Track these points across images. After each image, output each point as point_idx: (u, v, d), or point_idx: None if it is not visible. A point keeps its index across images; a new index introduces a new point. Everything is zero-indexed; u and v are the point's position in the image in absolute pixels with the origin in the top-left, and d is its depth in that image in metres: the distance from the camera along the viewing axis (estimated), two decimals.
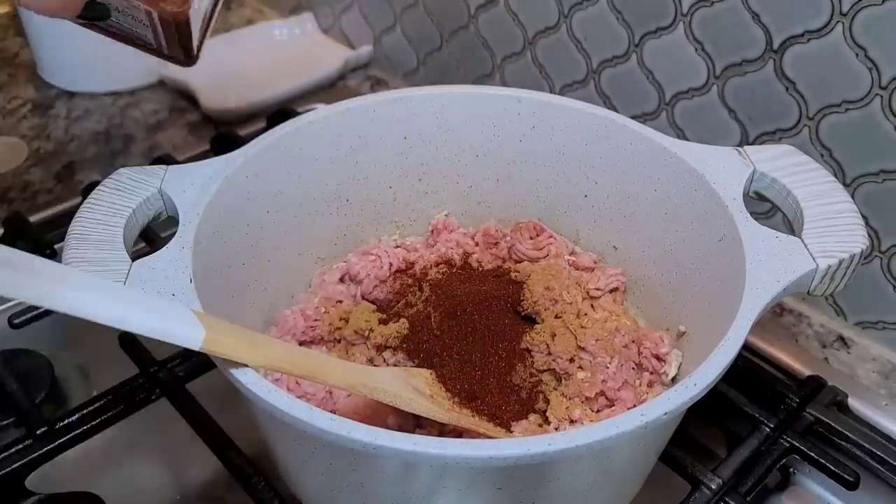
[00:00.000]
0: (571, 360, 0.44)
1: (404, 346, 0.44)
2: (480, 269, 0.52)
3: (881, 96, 0.49)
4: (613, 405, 0.43)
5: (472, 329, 0.45)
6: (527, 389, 0.43)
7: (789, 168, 0.44)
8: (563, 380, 0.44)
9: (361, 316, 0.46)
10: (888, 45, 0.47)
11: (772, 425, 0.47)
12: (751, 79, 0.55)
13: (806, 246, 0.39)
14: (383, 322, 0.46)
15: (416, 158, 0.53)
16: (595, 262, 0.52)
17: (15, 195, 0.70)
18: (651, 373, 0.45)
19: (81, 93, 0.84)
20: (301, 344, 0.47)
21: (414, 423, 0.42)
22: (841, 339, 0.56)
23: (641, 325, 0.49)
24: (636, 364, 0.45)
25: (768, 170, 0.44)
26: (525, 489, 0.35)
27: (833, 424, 0.48)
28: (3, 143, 0.77)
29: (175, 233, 0.40)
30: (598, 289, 0.49)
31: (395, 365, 0.44)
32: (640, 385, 0.44)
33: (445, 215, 0.55)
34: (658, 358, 0.45)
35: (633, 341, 0.46)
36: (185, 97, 0.84)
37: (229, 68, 0.86)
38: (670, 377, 0.45)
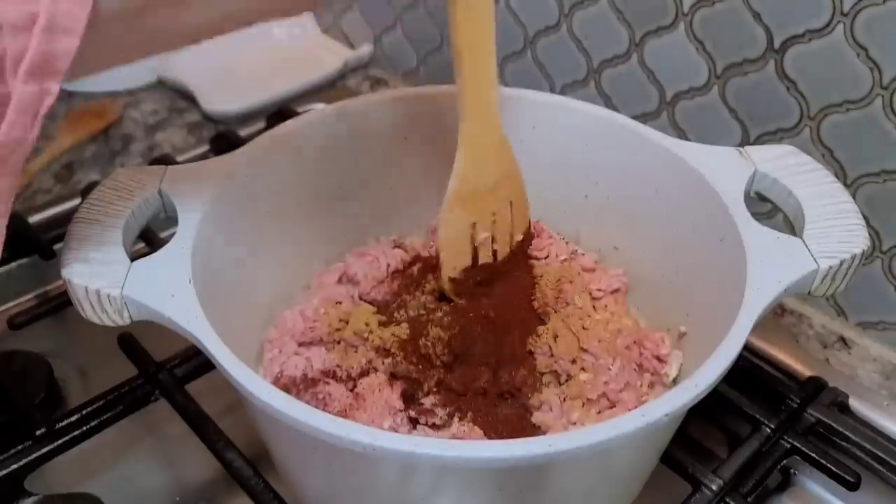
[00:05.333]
0: (573, 362, 0.44)
1: (404, 349, 0.44)
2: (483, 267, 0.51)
3: (882, 96, 0.49)
4: (615, 407, 0.43)
5: (473, 330, 0.45)
6: (528, 391, 0.43)
7: (790, 168, 0.43)
8: (564, 382, 0.44)
9: (361, 318, 0.46)
10: (889, 45, 0.47)
11: (773, 426, 0.47)
12: (752, 78, 0.55)
13: (807, 246, 0.39)
14: (383, 324, 0.46)
15: (416, 158, 0.53)
16: (596, 263, 0.52)
17: None
18: (652, 374, 0.45)
19: (81, 93, 0.84)
20: (300, 345, 0.47)
21: (409, 427, 0.42)
22: (842, 339, 0.56)
23: (642, 326, 0.49)
24: (638, 365, 0.45)
25: (769, 170, 0.44)
26: (525, 490, 0.35)
27: (834, 425, 0.48)
28: None
29: (175, 233, 0.40)
30: (599, 290, 0.49)
31: (394, 368, 0.44)
32: (642, 386, 0.44)
33: None
34: (659, 359, 0.45)
35: (635, 342, 0.46)
36: (185, 97, 0.83)
37: (229, 68, 0.86)
38: (671, 378, 0.45)
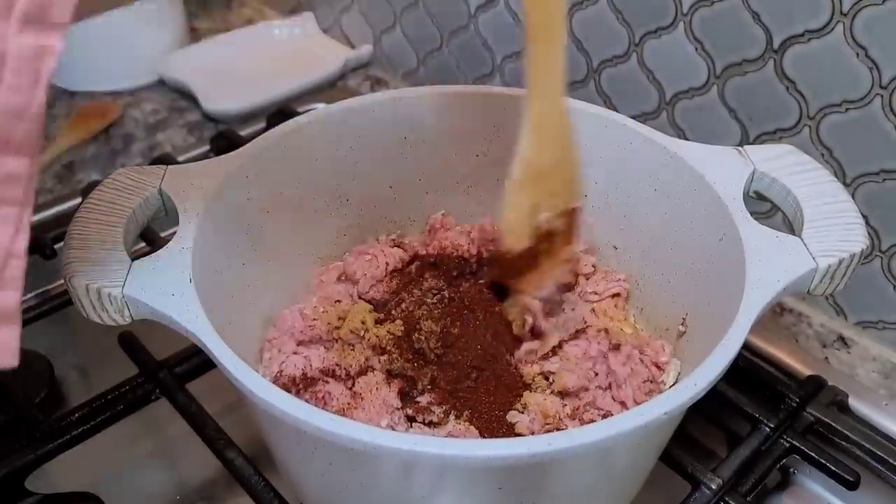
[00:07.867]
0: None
1: (399, 346, 0.44)
2: (478, 268, 0.52)
3: (881, 96, 0.49)
4: (611, 412, 0.43)
5: (470, 330, 0.45)
6: (517, 394, 0.43)
7: (789, 168, 0.44)
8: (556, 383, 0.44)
9: (357, 316, 0.46)
10: (889, 45, 0.47)
11: (772, 425, 0.47)
12: (751, 78, 0.55)
13: (806, 245, 0.39)
14: (380, 322, 0.46)
15: (416, 158, 0.53)
16: (594, 266, 0.52)
17: None
18: (651, 382, 0.45)
19: (81, 92, 0.84)
20: (299, 343, 0.47)
21: (406, 425, 0.42)
22: (841, 338, 0.56)
23: (640, 327, 0.49)
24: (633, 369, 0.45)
25: (768, 169, 0.44)
26: (525, 489, 0.35)
27: (833, 424, 0.48)
28: None
29: (175, 233, 0.40)
30: (595, 293, 0.49)
31: (390, 365, 0.44)
32: (639, 392, 0.44)
33: (443, 214, 0.55)
34: (657, 366, 0.45)
35: (634, 348, 0.45)
36: (185, 97, 0.84)
37: (229, 68, 0.86)
38: (668, 385, 0.45)
